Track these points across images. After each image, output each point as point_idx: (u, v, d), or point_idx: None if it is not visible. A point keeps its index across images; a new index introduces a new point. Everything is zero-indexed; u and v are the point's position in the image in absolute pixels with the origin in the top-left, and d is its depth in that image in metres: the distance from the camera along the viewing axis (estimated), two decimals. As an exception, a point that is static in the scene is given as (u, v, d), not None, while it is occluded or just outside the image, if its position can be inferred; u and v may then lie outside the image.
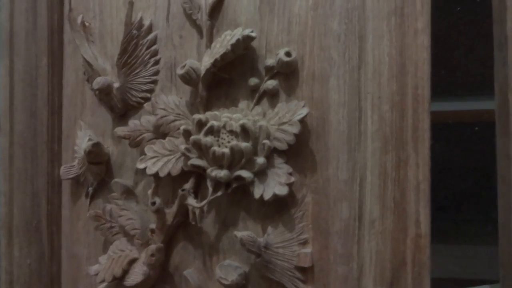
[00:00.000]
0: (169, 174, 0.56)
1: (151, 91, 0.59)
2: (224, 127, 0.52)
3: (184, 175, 0.56)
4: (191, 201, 0.54)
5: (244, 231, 0.52)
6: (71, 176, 0.62)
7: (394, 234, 0.47)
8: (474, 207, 1.13)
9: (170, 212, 0.56)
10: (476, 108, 1.06)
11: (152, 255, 0.55)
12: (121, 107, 0.59)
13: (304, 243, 0.52)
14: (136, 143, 0.58)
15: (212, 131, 0.53)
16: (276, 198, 0.51)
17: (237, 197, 0.55)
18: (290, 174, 0.52)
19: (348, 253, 0.50)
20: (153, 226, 0.57)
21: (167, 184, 0.58)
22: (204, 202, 0.53)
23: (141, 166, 0.56)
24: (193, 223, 0.55)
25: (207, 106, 0.56)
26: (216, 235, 0.57)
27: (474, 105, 1.07)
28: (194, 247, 0.58)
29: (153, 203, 0.55)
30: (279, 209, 0.53)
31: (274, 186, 0.51)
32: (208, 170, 0.53)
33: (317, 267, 0.52)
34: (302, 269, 0.52)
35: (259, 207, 0.54)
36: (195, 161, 0.53)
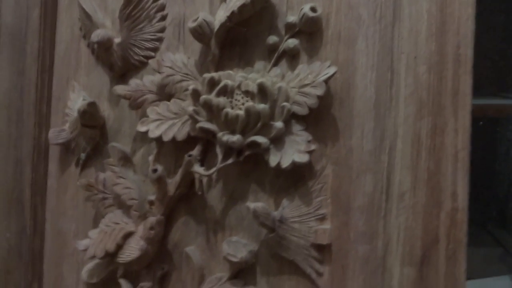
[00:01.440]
0: (173, 139, 0.50)
1: (155, 49, 0.54)
2: (238, 87, 0.47)
3: (189, 141, 0.50)
4: (198, 168, 0.48)
5: (257, 202, 0.46)
6: (60, 141, 0.56)
7: (426, 208, 0.42)
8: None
9: (173, 182, 0.50)
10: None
11: (151, 228, 0.49)
12: (121, 66, 0.54)
13: (322, 218, 0.47)
14: (137, 105, 0.52)
15: (225, 92, 0.47)
16: (293, 167, 0.46)
17: (248, 168, 0.50)
18: (310, 142, 0.47)
19: (371, 231, 0.46)
20: (152, 197, 0.51)
21: (169, 152, 0.53)
22: (213, 169, 0.48)
23: (142, 129, 0.50)
24: (199, 193, 0.50)
25: (219, 67, 0.51)
26: (223, 210, 0.51)
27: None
28: (197, 223, 0.52)
29: (154, 170, 0.49)
30: (295, 181, 0.48)
31: (292, 153, 0.46)
32: (219, 135, 0.47)
33: (335, 246, 0.47)
34: (318, 248, 0.47)
35: (272, 179, 0.49)
36: (205, 124, 0.48)
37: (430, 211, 0.42)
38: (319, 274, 0.48)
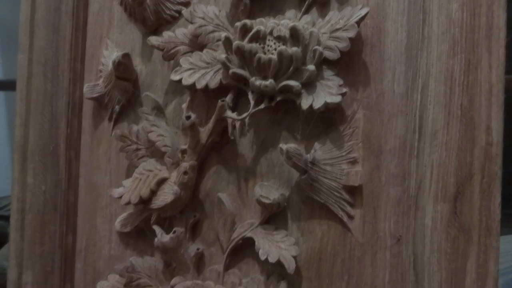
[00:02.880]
0: (205, 88, 0.51)
1: (187, 3, 0.55)
2: (271, 33, 0.48)
3: (221, 91, 0.51)
4: (231, 113, 0.49)
5: (290, 144, 0.47)
6: (95, 95, 0.57)
7: (460, 144, 0.43)
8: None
9: (205, 130, 0.51)
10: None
11: (185, 172, 0.50)
12: (154, 20, 0.55)
13: (353, 162, 0.48)
14: (170, 56, 0.53)
15: (257, 38, 0.48)
16: (325, 111, 0.47)
17: (279, 116, 0.51)
18: (341, 86, 0.47)
19: (403, 172, 0.46)
20: (184, 147, 0.52)
21: (201, 103, 0.54)
22: (246, 114, 0.48)
23: (175, 77, 0.51)
24: (232, 137, 0.51)
25: (250, 17, 0.52)
26: (254, 158, 0.52)
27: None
28: (228, 171, 0.53)
29: (188, 117, 0.50)
30: (326, 127, 0.49)
31: (324, 96, 0.47)
32: (252, 79, 0.48)
33: (366, 189, 0.48)
34: (350, 191, 0.48)
35: (303, 125, 0.50)
36: (237, 70, 0.49)
37: (464, 147, 0.43)
38: (350, 217, 0.48)
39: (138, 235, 0.57)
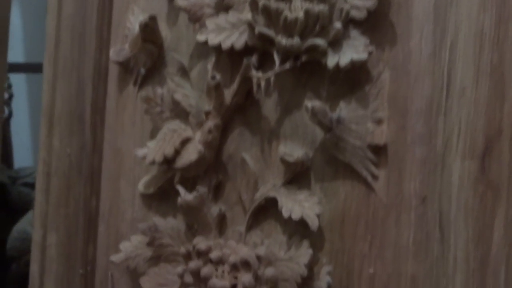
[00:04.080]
0: (229, 53, 0.52)
1: (213, -32, 0.55)
2: (297, -9, 0.48)
3: (246, 52, 0.51)
4: (256, 73, 0.50)
5: (315, 101, 0.47)
6: (121, 59, 0.58)
7: (489, 100, 0.42)
8: None
9: (230, 91, 0.52)
10: None
11: (210, 131, 0.50)
12: (180, -15, 0.56)
13: (379, 121, 0.48)
14: (197, 18, 0.53)
15: (284, -3, 0.49)
16: (351, 70, 0.47)
17: (304, 77, 0.51)
18: (368, 45, 0.47)
19: (429, 131, 0.46)
20: (208, 108, 0.53)
21: (226, 66, 0.54)
22: (271, 72, 0.49)
23: (201, 38, 0.52)
24: (257, 97, 0.51)
25: (276, -21, 0.52)
26: (277, 120, 0.52)
27: None
28: (252, 133, 0.53)
29: (213, 77, 0.50)
30: (352, 87, 0.49)
31: (350, 54, 0.47)
32: (278, 38, 0.48)
33: (391, 150, 0.47)
34: (375, 150, 0.47)
35: (329, 87, 0.50)
36: (263, 29, 0.49)
37: (493, 104, 0.42)
38: (375, 178, 0.48)
39: (160, 197, 0.57)
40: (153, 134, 0.58)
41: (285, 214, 0.48)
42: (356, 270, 0.48)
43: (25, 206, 0.97)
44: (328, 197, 0.50)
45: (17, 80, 1.50)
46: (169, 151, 0.52)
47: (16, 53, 1.52)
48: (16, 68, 1.46)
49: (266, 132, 0.53)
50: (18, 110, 1.49)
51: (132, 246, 0.56)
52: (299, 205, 0.48)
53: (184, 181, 0.54)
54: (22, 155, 1.48)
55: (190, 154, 0.51)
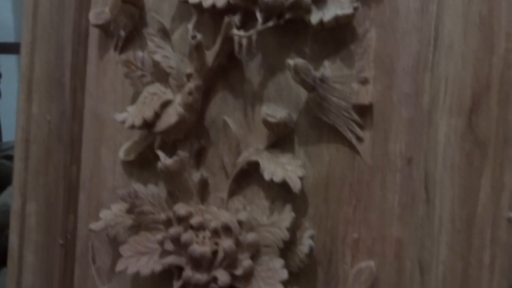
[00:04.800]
0: (211, 13, 0.50)
1: None
2: None
3: (229, 12, 0.49)
4: (238, 31, 0.48)
5: (298, 59, 0.45)
6: (100, 22, 0.56)
7: (477, 54, 0.40)
8: None
9: (211, 52, 0.50)
10: None
11: (190, 93, 0.49)
12: None
13: (364, 81, 0.46)
14: (177, -24, 0.52)
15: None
16: (337, 27, 0.45)
17: (287, 38, 0.49)
18: (353, 1, 0.45)
19: (415, 90, 0.44)
20: (190, 70, 0.51)
21: (208, 28, 0.52)
22: (253, 30, 0.47)
23: (182, -4, 0.50)
24: (239, 56, 0.49)
25: None
26: (261, 82, 0.50)
27: None
28: (235, 97, 0.52)
29: (194, 37, 0.49)
30: (337, 46, 0.47)
31: (335, 10, 0.45)
32: (261, -6, 0.46)
33: (377, 110, 0.46)
34: (360, 111, 0.46)
35: (313, 44, 0.48)
36: (245, -14, 0.47)
37: (481, 57, 0.40)
38: (360, 140, 0.46)
39: (141, 165, 0.56)
40: (134, 100, 0.56)
41: (267, 176, 0.46)
42: (340, 234, 0.47)
43: (6, 179, 0.95)
44: (312, 161, 0.48)
45: (7, 61, 1.48)
46: (148, 114, 0.50)
47: (6, 33, 1.49)
48: (6, 48, 1.44)
49: (249, 96, 0.51)
50: (7, 91, 1.47)
51: (112, 214, 0.55)
52: (282, 168, 0.47)
53: (165, 147, 0.52)
54: (11, 136, 1.46)
55: (170, 117, 0.49)
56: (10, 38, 1.50)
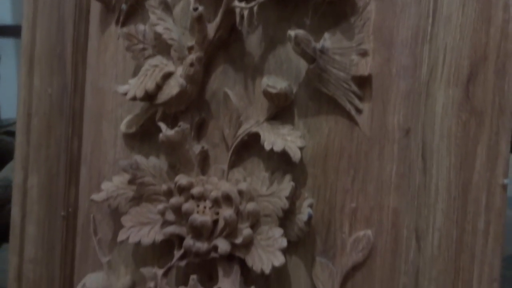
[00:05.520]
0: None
1: None
2: None
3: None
4: (239, 3, 0.48)
5: (299, 29, 0.46)
6: (102, -5, 0.56)
7: (475, 25, 0.41)
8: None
9: (213, 25, 0.50)
10: None
11: (192, 64, 0.49)
12: None
13: (363, 53, 0.46)
14: (179, -51, 0.52)
15: None
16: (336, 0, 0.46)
17: (287, 12, 0.49)
18: (354, -26, 0.46)
19: (414, 63, 0.45)
20: (191, 43, 0.51)
21: (209, 1, 0.52)
22: (254, 2, 0.47)
23: (184, -31, 0.50)
24: (240, 28, 0.50)
25: None
26: (262, 55, 0.51)
27: None
28: (236, 70, 0.52)
29: (195, 9, 0.49)
30: (337, 19, 0.47)
31: (336, -18, 0.45)
32: (262, -34, 0.47)
33: (376, 83, 0.47)
34: (359, 83, 0.47)
35: (313, 17, 0.48)
36: (247, -42, 0.48)
37: (479, 28, 0.41)
38: (359, 111, 0.47)
39: (143, 138, 0.56)
40: (135, 74, 0.56)
41: (267, 147, 0.47)
42: (338, 204, 0.48)
43: (7, 155, 0.96)
44: (311, 132, 0.49)
45: (5, 44, 1.48)
46: (150, 85, 0.51)
47: (4, 15, 1.49)
48: (4, 30, 1.43)
49: (250, 69, 0.52)
50: (7, 74, 1.47)
51: (113, 186, 0.55)
52: (282, 138, 0.47)
53: (166, 119, 0.53)
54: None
55: (172, 88, 0.50)
56: (7, 20, 1.50)
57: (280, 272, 0.50)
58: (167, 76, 0.51)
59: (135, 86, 0.52)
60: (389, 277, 0.46)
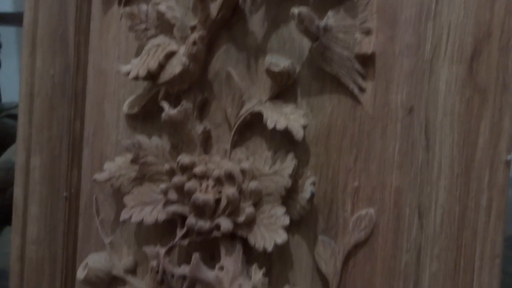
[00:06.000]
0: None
1: None
2: None
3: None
4: (242, -19, 0.48)
5: (302, 7, 0.45)
6: (105, -25, 0.56)
7: (479, 2, 0.41)
8: None
9: (215, 4, 0.50)
10: None
11: (194, 43, 0.49)
12: None
13: (367, 32, 0.46)
14: None
15: None
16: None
17: (291, -10, 0.50)
18: (358, -48, 0.46)
19: (418, 41, 0.44)
20: (194, 23, 0.51)
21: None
22: (258, -20, 0.47)
23: None
24: (243, 7, 0.50)
25: None
26: (264, 35, 0.51)
27: None
28: (238, 50, 0.52)
29: (199, -13, 0.49)
30: (341, -2, 0.48)
31: (340, -41, 0.45)
32: None
33: (379, 61, 0.46)
34: (362, 61, 0.46)
35: (316, -3, 0.48)
36: None
37: (483, 4, 0.41)
38: (362, 90, 0.47)
39: (145, 119, 0.56)
40: (138, 55, 0.56)
41: (270, 125, 0.47)
42: (340, 183, 0.48)
43: (9, 138, 0.96)
44: (314, 111, 0.49)
45: (6, 32, 1.47)
46: (153, 65, 0.51)
47: (4, 3, 1.48)
48: (5, 18, 1.43)
49: (252, 48, 0.51)
50: (7, 63, 1.46)
51: (116, 166, 0.55)
52: (285, 117, 0.47)
53: (169, 99, 0.53)
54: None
55: (174, 67, 0.50)
56: (8, 7, 1.50)
57: (282, 251, 0.50)
58: (170, 55, 0.51)
59: (138, 66, 0.52)
60: (391, 255, 0.46)
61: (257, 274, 0.48)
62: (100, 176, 0.55)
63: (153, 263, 0.52)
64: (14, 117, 1.01)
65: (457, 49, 0.42)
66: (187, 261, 0.51)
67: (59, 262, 0.60)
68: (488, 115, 0.40)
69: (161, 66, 0.51)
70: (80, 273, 0.56)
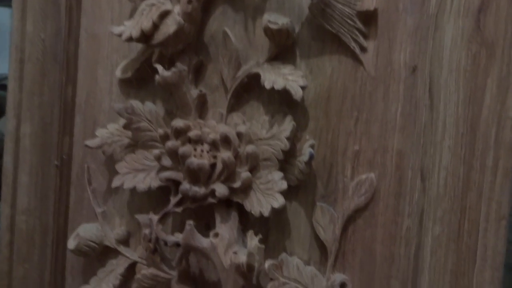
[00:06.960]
0: None
1: None
2: None
3: None
4: None
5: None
6: None
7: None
8: None
9: (212, -38, 0.49)
10: None
11: (189, 1, 0.47)
12: None
13: (369, -12, 0.45)
14: None
15: None
16: None
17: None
18: None
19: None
20: (189, -18, 0.49)
21: None
22: None
23: None
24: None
25: None
26: (263, -7, 0.49)
27: None
28: (235, 10, 0.50)
29: None
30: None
31: None
32: None
33: (382, 19, 0.45)
34: (364, 19, 0.45)
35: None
36: None
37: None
38: (363, 49, 0.45)
39: (139, 84, 0.54)
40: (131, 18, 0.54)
41: (267, 85, 0.45)
42: (340, 147, 0.46)
43: (1, 109, 0.94)
44: (314, 73, 0.47)
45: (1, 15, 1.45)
46: (146, 24, 0.49)
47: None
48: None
49: (250, 9, 0.49)
50: (2, 44, 1.44)
51: (108, 132, 0.53)
52: (283, 77, 0.46)
53: (163, 61, 0.51)
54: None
55: (169, 27, 0.48)
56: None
57: (279, 218, 0.48)
58: (164, 14, 0.49)
59: (131, 27, 0.50)
60: (392, 220, 0.44)
61: (253, 240, 0.46)
62: (91, 142, 0.53)
63: (146, 231, 0.50)
64: (6, 87, 0.98)
65: (464, 2, 0.40)
66: (181, 230, 0.49)
67: (50, 233, 0.58)
68: (495, 70, 0.39)
69: (155, 26, 0.49)
70: (71, 243, 0.54)
